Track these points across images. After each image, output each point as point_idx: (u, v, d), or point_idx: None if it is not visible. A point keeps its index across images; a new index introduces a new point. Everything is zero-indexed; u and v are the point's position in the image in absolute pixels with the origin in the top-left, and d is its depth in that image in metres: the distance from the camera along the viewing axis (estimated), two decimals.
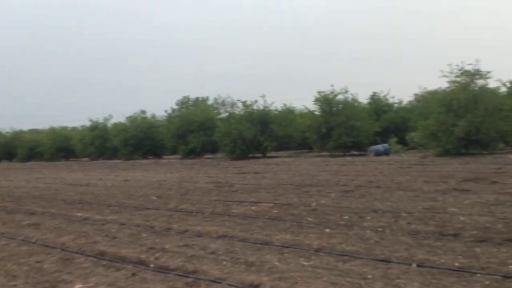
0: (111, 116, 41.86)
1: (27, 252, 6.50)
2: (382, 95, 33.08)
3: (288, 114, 32.90)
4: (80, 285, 4.74)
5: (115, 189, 14.52)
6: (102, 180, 18.44)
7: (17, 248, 6.84)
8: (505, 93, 24.64)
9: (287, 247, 5.91)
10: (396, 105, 32.70)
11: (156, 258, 5.72)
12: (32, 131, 55.69)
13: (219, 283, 4.58)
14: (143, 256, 5.84)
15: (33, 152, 46.10)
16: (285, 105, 34.64)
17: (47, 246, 6.82)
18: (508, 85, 25.40)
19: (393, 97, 33.11)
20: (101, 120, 41.58)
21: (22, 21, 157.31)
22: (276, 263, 5.20)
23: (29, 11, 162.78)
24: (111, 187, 15.48)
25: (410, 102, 35.28)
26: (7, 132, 52.89)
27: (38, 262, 5.91)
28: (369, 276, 4.59)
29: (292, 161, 25.05)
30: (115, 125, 40.02)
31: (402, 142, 28.04)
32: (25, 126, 65.79)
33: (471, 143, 22.23)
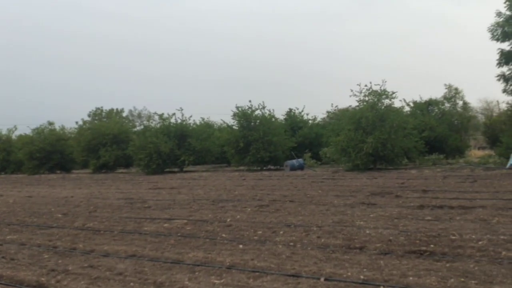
0: (16, 127, 39.09)
1: None
2: (297, 111, 34.16)
3: (206, 128, 32.81)
4: None
5: (16, 206, 13.47)
6: (2, 197, 17.04)
7: None
8: (408, 112, 26.53)
9: (198, 265, 5.79)
10: (310, 121, 33.90)
11: (58, 281, 5.33)
12: None
13: None
14: (43, 279, 5.43)
15: None
16: (203, 119, 34.54)
17: None
18: (411, 105, 27.40)
19: (307, 114, 34.35)
20: (4, 132, 38.65)
21: None
22: (187, 283, 5.06)
23: None
24: (12, 204, 14.34)
25: (323, 119, 36.75)
26: None
27: None
28: None
29: (210, 175, 24.92)
30: (20, 137, 37.36)
31: (316, 157, 29.04)
32: None
33: (378, 159, 23.55)
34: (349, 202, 11.13)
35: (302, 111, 34.05)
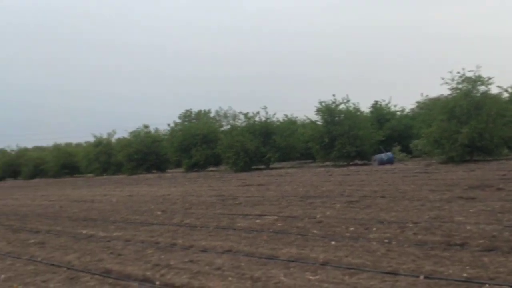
0: (114, 132, 42.09)
1: (32, 272, 6.47)
2: (384, 103, 33.12)
3: (290, 124, 32.94)
4: None
5: (120, 205, 14.51)
6: (106, 196, 18.44)
7: (23, 267, 6.81)
8: (507, 99, 24.62)
9: (292, 261, 5.87)
10: (398, 113, 32.71)
11: (162, 275, 5.68)
12: (37, 149, 55.91)
13: None
14: (148, 273, 5.81)
15: (37, 170, 46.27)
16: (286, 116, 34.72)
17: (52, 265, 6.79)
18: (510, 90, 25.39)
19: (395, 106, 33.17)
20: (105, 136, 41.78)
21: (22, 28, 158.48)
22: (282, 278, 5.16)
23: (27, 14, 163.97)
24: (116, 203, 15.47)
25: (412, 109, 35.28)
26: (12, 150, 53.18)
27: (43, 281, 5.89)
28: None
29: (296, 172, 25.00)
30: (119, 140, 40.17)
31: (406, 150, 27.98)
32: (30, 144, 66.16)
33: (475, 150, 22.16)
34: (445, 197, 10.62)
35: (389, 102, 32.99)
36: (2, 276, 6.29)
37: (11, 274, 6.42)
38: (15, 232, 10.54)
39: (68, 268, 6.49)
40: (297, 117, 35.95)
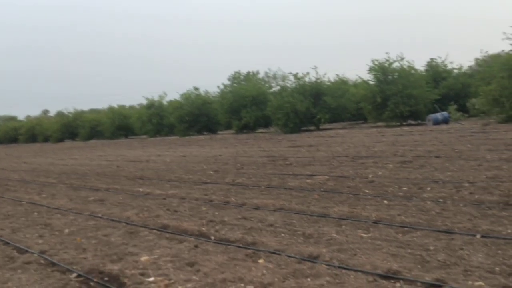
0: (166, 94, 42.86)
1: (94, 226, 6.85)
2: (440, 61, 31.67)
3: (341, 85, 32.29)
4: (146, 257, 4.97)
5: (173, 165, 14.97)
6: (160, 156, 19.06)
7: (84, 222, 7.21)
8: None
9: (344, 219, 5.90)
10: (455, 71, 31.23)
11: (216, 231, 5.89)
12: (93, 111, 58.07)
13: (279, 254, 4.66)
14: (203, 229, 6.02)
15: (94, 131, 48.22)
16: (337, 76, 34.00)
17: (112, 220, 7.16)
18: None
19: (451, 63, 31.64)
20: (156, 98, 42.68)
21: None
22: (334, 235, 5.22)
23: None
24: (169, 162, 15.97)
25: (470, 67, 33.54)
26: (69, 113, 55.52)
27: (105, 235, 6.22)
28: (431, 248, 4.51)
29: (346, 132, 24.69)
30: (171, 102, 40.96)
31: (463, 109, 26.85)
32: (86, 106, 68.83)
33: None
34: (504, 157, 10.19)
35: (445, 60, 31.49)
36: (66, 230, 6.72)
37: (74, 228, 6.82)
38: (76, 190, 11.14)
39: (127, 223, 6.82)
40: (348, 77, 35.17)
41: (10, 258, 5.45)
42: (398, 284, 3.69)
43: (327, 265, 4.24)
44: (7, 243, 6.18)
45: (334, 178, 9.27)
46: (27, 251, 5.65)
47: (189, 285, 4.05)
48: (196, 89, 39.70)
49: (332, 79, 32.78)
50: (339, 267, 4.15)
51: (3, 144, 61.08)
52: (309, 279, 3.94)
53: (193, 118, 37.05)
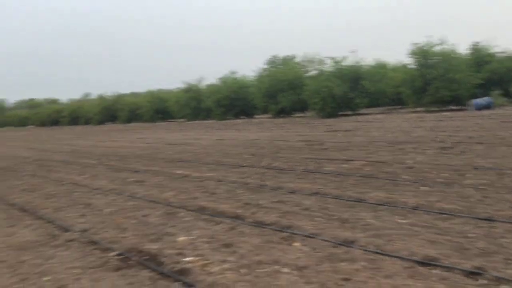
0: (203, 78, 43.23)
1: (133, 207, 7.03)
2: (484, 44, 30.43)
3: (380, 69, 31.61)
4: (184, 238, 5.08)
5: (210, 148, 15.14)
6: (198, 140, 19.30)
7: (124, 203, 7.41)
8: None
9: (381, 204, 5.83)
10: (500, 55, 29.96)
11: (252, 213, 5.94)
12: (132, 95, 59.27)
13: (314, 238, 4.67)
14: (239, 211, 6.09)
15: (133, 114, 49.27)
16: (376, 60, 33.28)
17: (151, 201, 7.33)
18: None
19: (496, 46, 30.35)
20: (194, 82, 43.08)
21: None
22: (371, 220, 5.17)
23: None
24: (206, 146, 16.16)
25: None
26: (110, 96, 56.88)
27: (144, 216, 6.38)
28: (471, 235, 4.41)
29: (384, 117, 24.23)
30: (208, 86, 41.27)
31: (507, 94, 25.81)
32: (126, 90, 70.23)
33: None
34: None
35: (489, 43, 30.23)
36: (107, 210, 6.94)
37: (114, 208, 7.03)
38: (116, 171, 11.44)
39: (166, 205, 6.97)
40: (387, 61, 34.37)
41: (53, 236, 5.68)
42: (435, 271, 3.63)
43: (363, 250, 4.21)
44: (50, 222, 6.44)
45: (371, 164, 9.15)
46: (69, 230, 5.88)
47: (225, 265, 4.12)
48: (233, 73, 39.83)
49: (370, 63, 32.15)
50: (375, 252, 4.12)
51: (46, 127, 63.35)
52: (344, 263, 3.93)
53: (230, 102, 37.24)
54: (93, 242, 5.21)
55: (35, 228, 6.18)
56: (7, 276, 4.36)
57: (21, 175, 12.08)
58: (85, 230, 5.77)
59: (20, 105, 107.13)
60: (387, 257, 3.99)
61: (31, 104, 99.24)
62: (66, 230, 5.89)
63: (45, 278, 4.18)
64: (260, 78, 36.92)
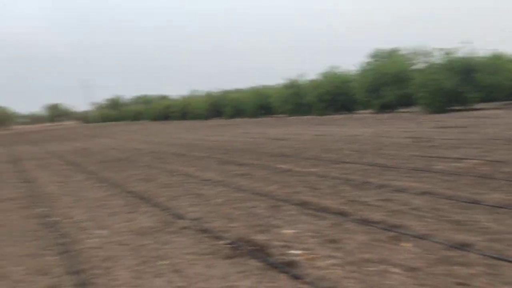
0: (304, 74, 43.24)
1: (240, 198, 7.29)
2: None
3: (495, 60, 29.11)
4: (289, 231, 5.17)
5: (311, 143, 15.14)
6: (299, 135, 19.39)
7: (231, 194, 7.71)
8: None
9: (500, 207, 5.41)
10: None
11: (358, 210, 5.86)
12: (237, 91, 61.14)
13: (425, 239, 4.48)
14: (343, 208, 6.04)
15: (237, 110, 50.85)
16: (492, 50, 30.68)
17: (256, 193, 7.54)
18: None
19: None
20: (295, 78, 43.28)
21: None
22: (488, 224, 4.83)
23: None
24: (307, 141, 16.18)
25: None
26: (216, 93, 59.37)
27: (250, 207, 6.60)
28: None
29: (502, 113, 22.31)
30: (309, 82, 41.20)
31: None
32: (231, 86, 72.81)
33: None
34: None
35: None
36: (216, 200, 7.27)
37: (222, 199, 7.34)
38: (223, 164, 11.91)
39: (270, 197, 7.14)
40: (505, 52, 31.51)
41: (168, 223, 6.10)
42: None
43: (480, 254, 3.96)
44: (165, 209, 6.92)
45: (487, 163, 8.51)
46: (182, 218, 6.27)
47: (331, 261, 4.12)
48: (335, 68, 39.28)
49: (485, 54, 29.72)
50: (495, 258, 3.85)
51: (157, 121, 67.77)
52: (459, 267, 3.73)
53: (331, 97, 36.81)
54: (205, 230, 5.51)
55: (151, 215, 6.69)
56: (129, 258, 4.78)
57: (138, 166, 13.09)
58: (196, 219, 6.12)
59: (135, 101, 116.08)
60: (507, 263, 3.71)
61: (144, 100, 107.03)
62: (179, 217, 6.29)
63: (163, 262, 4.51)
64: (363, 72, 35.94)
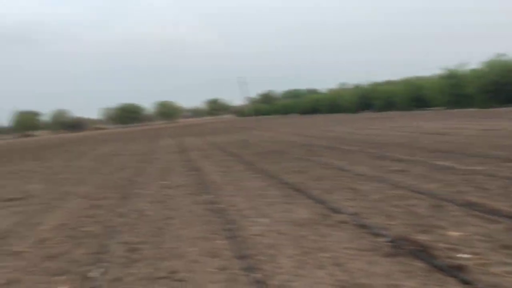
0: (465, 63, 39.66)
1: (398, 196, 7.02)
2: None
3: None
4: (455, 233, 4.87)
5: (475, 139, 13.92)
6: (459, 129, 17.97)
7: (388, 191, 7.47)
8: None
9: None
10: None
11: None
12: (388, 83, 59.11)
13: None
14: None
15: (388, 103, 49.15)
16: None
17: (415, 191, 7.20)
18: None
19: None
20: (455, 68, 40.02)
21: None
22: None
23: None
24: (470, 136, 14.92)
25: None
26: (366, 85, 58.26)
27: (410, 206, 6.34)
28: None
29: None
30: (472, 71, 37.77)
31: None
32: (381, 78, 70.59)
33: None
34: None
35: None
36: (373, 196, 7.15)
37: (379, 195, 7.15)
38: (376, 158, 11.58)
39: (431, 196, 6.76)
40: None
41: (325, 216, 6.20)
42: None
43: None
44: (320, 202, 7.04)
45: None
46: (339, 212, 6.32)
47: (507, 268, 3.79)
48: (502, 55, 35.29)
49: None
50: None
51: (305, 115, 68.91)
52: None
53: (496, 87, 33.24)
54: (363, 226, 5.48)
55: (307, 206, 6.87)
56: (290, 247, 4.99)
57: (290, 158, 13.51)
58: (354, 214, 6.11)
59: (285, 95, 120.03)
60: None
61: (294, 94, 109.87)
62: (336, 211, 6.36)
63: (324, 254, 4.63)
64: None
